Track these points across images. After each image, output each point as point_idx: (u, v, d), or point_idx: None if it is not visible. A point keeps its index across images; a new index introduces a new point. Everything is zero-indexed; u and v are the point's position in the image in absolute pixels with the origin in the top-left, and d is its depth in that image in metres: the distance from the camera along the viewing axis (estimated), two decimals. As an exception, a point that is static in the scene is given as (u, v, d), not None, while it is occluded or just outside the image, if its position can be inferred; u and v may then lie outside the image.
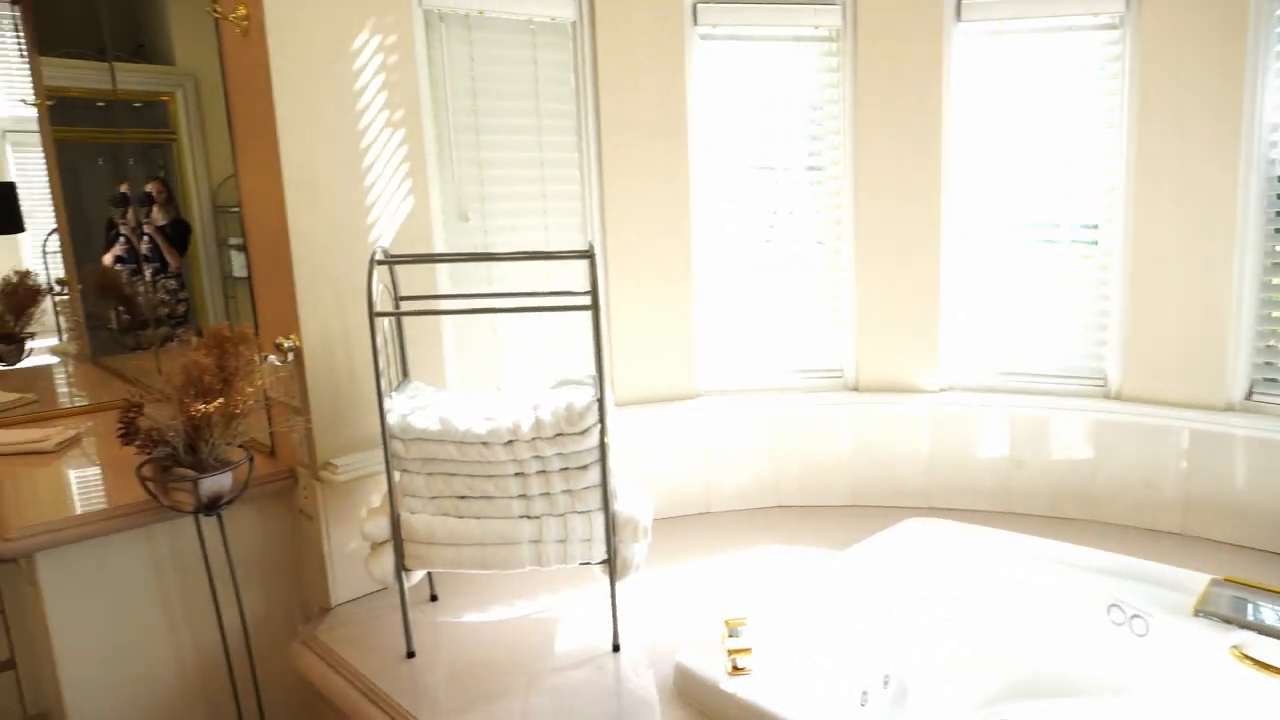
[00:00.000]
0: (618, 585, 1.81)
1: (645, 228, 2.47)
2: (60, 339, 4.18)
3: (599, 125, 2.41)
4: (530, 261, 2.37)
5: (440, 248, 2.24)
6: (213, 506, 1.85)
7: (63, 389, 3.40)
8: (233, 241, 3.00)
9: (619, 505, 1.80)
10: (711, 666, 1.64)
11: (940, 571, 2.19)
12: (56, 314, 4.07)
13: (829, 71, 2.50)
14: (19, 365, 3.56)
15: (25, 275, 3.63)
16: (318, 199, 1.97)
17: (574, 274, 2.42)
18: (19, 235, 5.85)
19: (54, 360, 3.83)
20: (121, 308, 3.60)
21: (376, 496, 2.05)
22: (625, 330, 2.50)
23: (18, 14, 3.83)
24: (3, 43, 6.15)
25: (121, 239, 3.27)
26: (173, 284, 3.20)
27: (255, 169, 2.04)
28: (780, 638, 1.76)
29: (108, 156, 3.87)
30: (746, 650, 1.64)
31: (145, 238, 3.15)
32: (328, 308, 2.00)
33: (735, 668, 1.62)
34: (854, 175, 2.52)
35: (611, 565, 1.79)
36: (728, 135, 2.53)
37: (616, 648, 1.85)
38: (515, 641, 1.90)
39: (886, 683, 2.00)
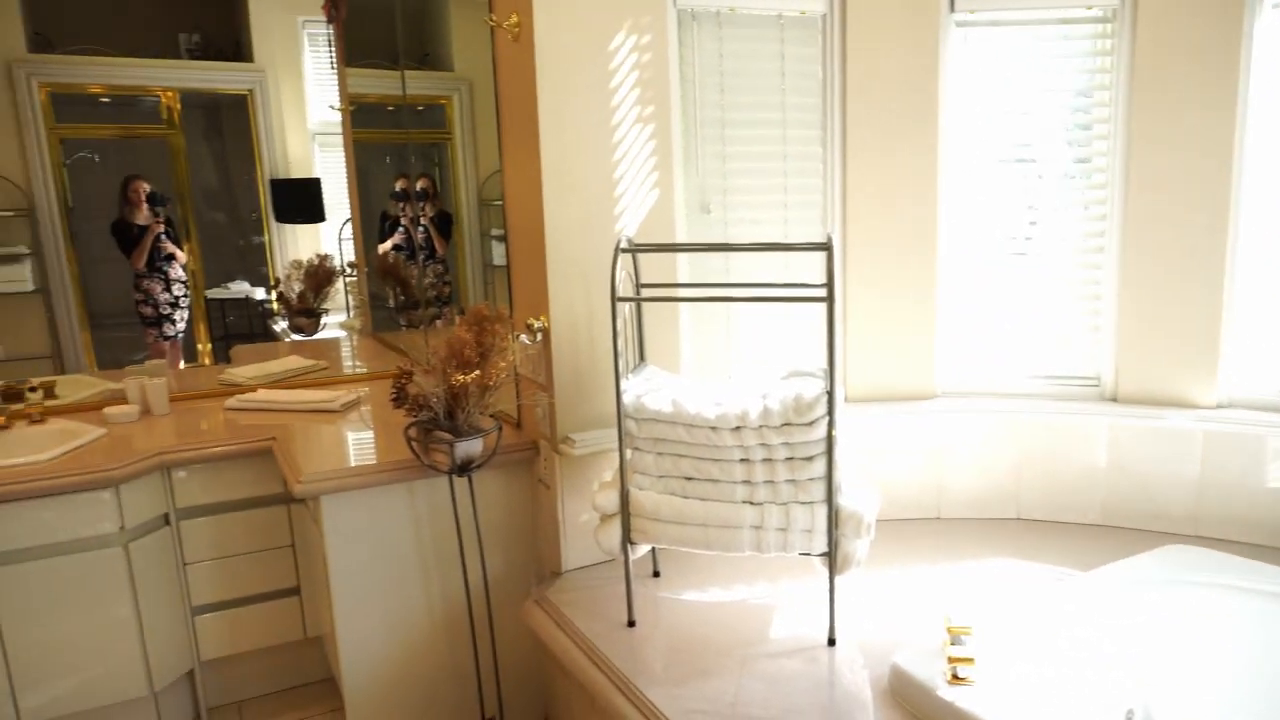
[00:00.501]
0: (837, 579, 1.80)
1: (888, 220, 2.42)
2: (347, 315, 4.74)
3: (844, 118, 2.39)
4: (768, 253, 2.41)
5: (681, 238, 2.32)
6: (465, 469, 2.04)
7: (347, 358, 3.85)
8: (494, 232, 3.25)
9: (843, 499, 1.79)
10: (930, 672, 1.60)
11: (1202, 604, 1.99)
12: (346, 293, 4.61)
13: (1100, 55, 2.33)
14: (314, 336, 4.08)
15: (324, 258, 4.16)
16: (572, 191, 2.11)
17: (811, 267, 2.42)
18: (319, 224, 6.65)
19: (341, 334, 4.36)
20: (398, 289, 4.01)
21: (609, 472, 2.16)
22: (861, 325, 2.47)
23: (332, 31, 4.38)
24: (318, 56, 6.99)
25: (400, 229, 3.63)
26: (440, 269, 3.51)
27: (518, 164, 2.22)
28: (1007, 653, 1.68)
29: (393, 155, 4.33)
30: (969, 660, 1.58)
31: (421, 228, 3.48)
32: (574, 292, 2.14)
33: (955, 676, 1.57)
34: (1124, 169, 2.32)
35: (831, 558, 1.78)
36: (982, 126, 2.42)
37: (832, 641, 1.84)
38: (731, 623, 1.95)
39: (1129, 718, 1.85)
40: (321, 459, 2.23)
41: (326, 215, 6.53)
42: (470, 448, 2.01)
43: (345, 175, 4.09)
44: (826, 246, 1.74)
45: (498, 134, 2.33)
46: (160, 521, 2.40)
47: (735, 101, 2.37)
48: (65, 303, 6.30)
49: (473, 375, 1.89)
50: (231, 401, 2.75)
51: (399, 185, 3.72)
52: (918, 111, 2.38)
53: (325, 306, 4.06)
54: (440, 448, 1.99)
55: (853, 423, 2.43)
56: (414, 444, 2.04)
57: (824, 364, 1.82)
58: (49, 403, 2.79)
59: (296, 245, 6.78)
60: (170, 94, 6.42)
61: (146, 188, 4.72)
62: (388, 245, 3.68)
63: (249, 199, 7.74)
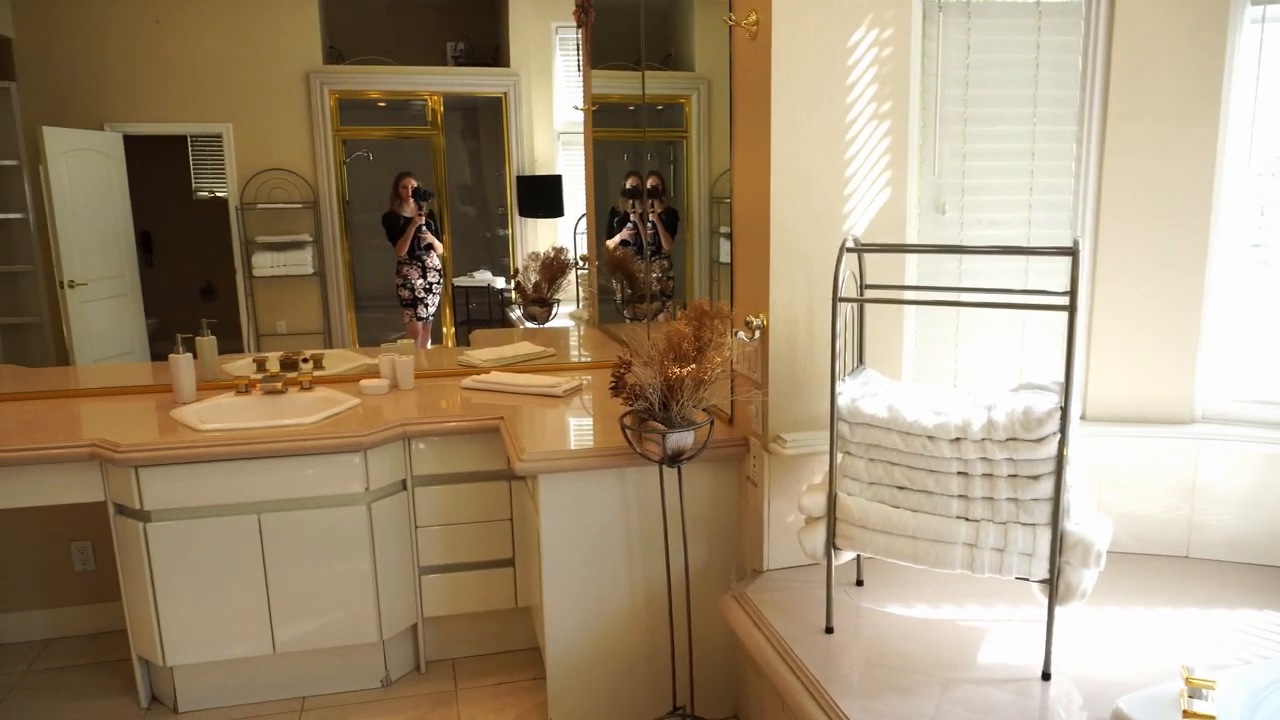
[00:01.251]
0: (1057, 609, 1.68)
1: (1149, 225, 2.21)
2: (577, 306, 4.97)
3: (1104, 111, 2.21)
4: (1005, 256, 2.27)
5: (912, 239, 2.25)
6: (675, 460, 2.08)
7: (573, 347, 4.04)
8: (722, 229, 3.29)
9: (1070, 524, 1.66)
10: (1161, 724, 1.45)
11: None
12: (577, 285, 4.84)
13: None
14: (546, 325, 4.32)
15: (560, 251, 4.38)
16: (800, 189, 2.10)
17: (1053, 273, 2.26)
18: (558, 219, 7.00)
19: (569, 323, 4.58)
20: (625, 282, 4.15)
21: (818, 474, 2.14)
22: (1107, 338, 2.27)
23: (580, 35, 4.60)
24: (567, 59, 7.35)
25: (629, 224, 3.74)
26: (665, 264, 3.60)
27: (748, 161, 2.24)
28: (1259, 717, 1.49)
29: (629, 153, 4.49)
30: (1210, 717, 1.42)
31: (650, 224, 3.58)
32: (796, 290, 2.13)
33: (1192, 733, 1.42)
34: None
35: (1053, 586, 1.66)
36: (1273, 124, 2.16)
37: (1046, 676, 1.71)
38: (935, 642, 1.86)
39: None
40: (543, 440, 2.36)
41: (565, 210, 6.88)
42: (681, 439, 2.06)
43: (584, 172, 4.28)
44: (1072, 251, 1.62)
45: (730, 130, 2.36)
46: (399, 486, 2.64)
47: (981, 95, 2.26)
48: (337, 286, 7.05)
49: (688, 369, 1.93)
50: (467, 381, 2.97)
51: (630, 182, 3.85)
52: (1197, 105, 2.16)
53: (557, 297, 4.28)
54: (653, 438, 2.05)
55: (1090, 443, 2.25)
56: (628, 432, 2.11)
57: (1060, 378, 1.69)
58: (317, 373, 3.13)
59: (536, 239, 7.19)
60: (435, 98, 7.00)
61: (414, 183, 5.23)
62: (616, 240, 3.82)
63: (496, 195, 8.28)
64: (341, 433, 2.48)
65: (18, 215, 6.67)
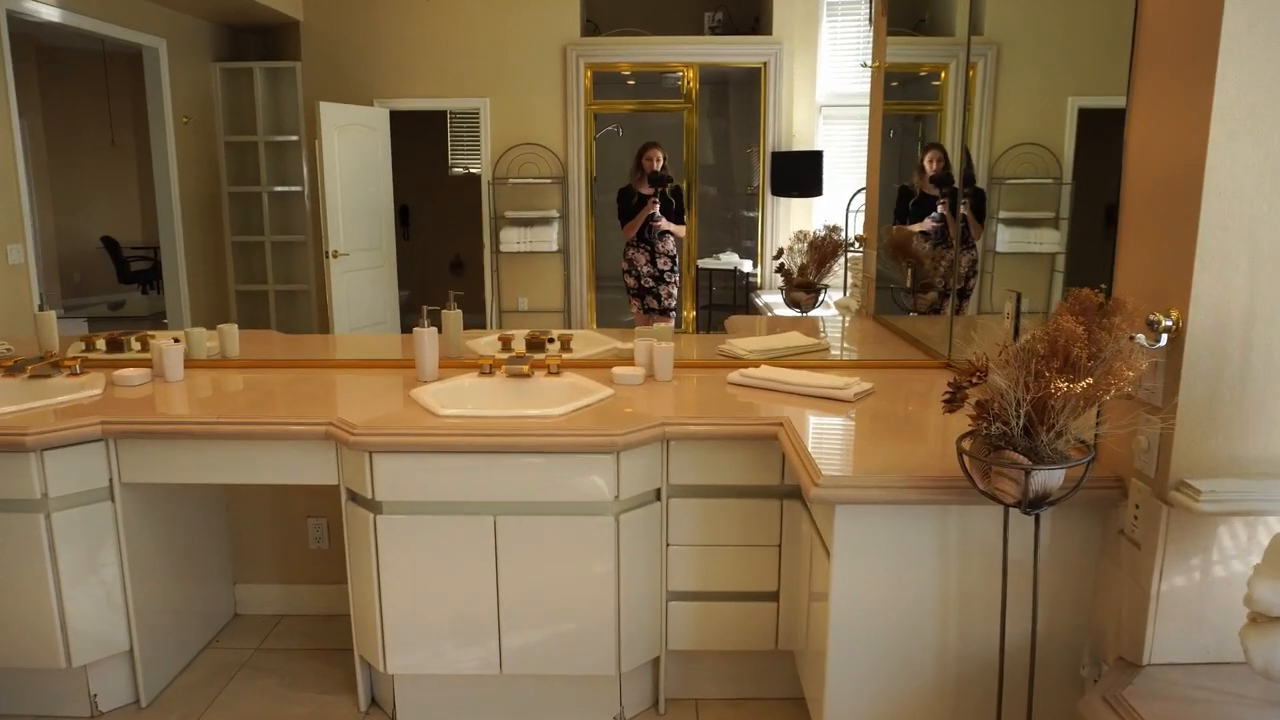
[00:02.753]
0: None
1: None
2: (843, 293, 4.38)
3: None
4: None
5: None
6: (1036, 504, 1.50)
7: (847, 341, 3.46)
8: (1002, 215, 2.66)
9: None
10: None
11: None
12: (845, 270, 4.25)
13: None
14: (809, 314, 3.79)
15: (832, 230, 3.82)
16: (1256, 138, 1.44)
17: None
18: (813, 200, 6.38)
19: (831, 313, 4.02)
20: (912, 269, 3.53)
21: (1250, 544, 1.48)
22: None
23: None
24: (834, 26, 6.65)
25: (936, 211, 3.11)
26: (973, 254, 2.96)
27: (1159, 108, 1.59)
28: None
29: (898, 127, 3.83)
30: None
31: (957, 211, 2.95)
32: (1232, 278, 1.47)
33: None
34: None
35: None
36: None
37: None
38: None
39: None
40: (837, 458, 1.84)
41: (824, 189, 6.27)
42: (1049, 479, 1.47)
43: (867, 145, 3.70)
44: None
45: (1129, 71, 1.71)
46: (651, 496, 2.21)
47: None
48: (579, 264, 6.84)
49: (1083, 384, 1.34)
50: (734, 376, 2.50)
51: (932, 162, 3.18)
52: None
53: (825, 283, 3.74)
54: (1010, 473, 1.47)
55: None
56: (969, 462, 1.55)
57: None
58: (565, 355, 2.79)
59: (788, 219, 6.63)
60: (691, 70, 6.60)
61: (661, 155, 4.81)
62: (918, 227, 3.19)
63: (743, 173, 7.75)
64: (593, 429, 2.08)
65: (296, 188, 6.97)
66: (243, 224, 7.02)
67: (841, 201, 6.62)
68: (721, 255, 6.62)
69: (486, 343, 2.96)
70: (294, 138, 6.65)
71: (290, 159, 6.83)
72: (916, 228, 3.19)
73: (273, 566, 2.91)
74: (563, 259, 6.66)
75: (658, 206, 4.76)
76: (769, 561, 2.25)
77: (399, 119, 6.82)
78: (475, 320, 7.52)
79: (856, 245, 3.74)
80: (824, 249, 3.66)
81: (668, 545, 2.24)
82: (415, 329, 2.51)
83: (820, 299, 3.72)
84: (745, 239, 7.70)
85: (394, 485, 2.12)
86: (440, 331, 2.70)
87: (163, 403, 2.37)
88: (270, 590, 2.92)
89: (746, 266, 6.54)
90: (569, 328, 6.79)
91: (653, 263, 4.88)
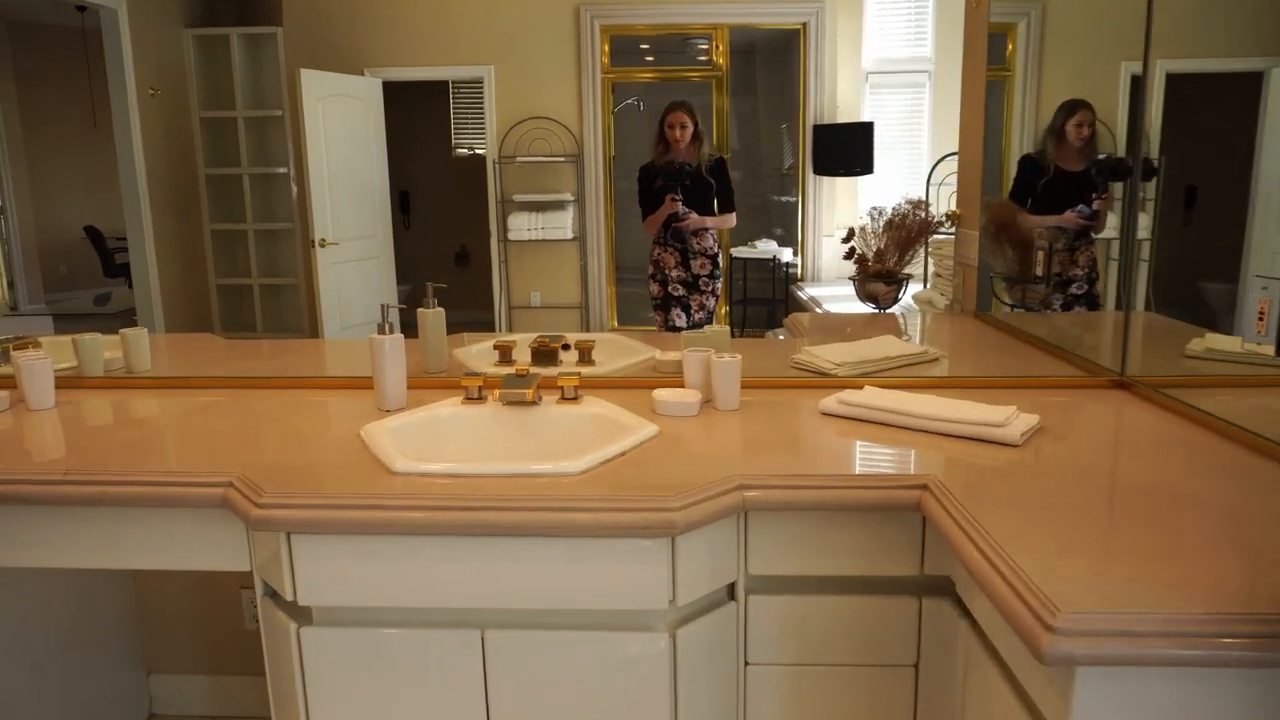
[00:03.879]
0: None
1: None
2: (924, 284, 3.58)
3: None
4: None
5: None
6: None
7: (944, 346, 2.66)
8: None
9: None
10: None
11: None
12: (926, 256, 3.46)
13: None
14: (887, 310, 3.01)
15: (917, 205, 3.02)
16: None
17: None
18: (858, 178, 5.55)
19: (909, 307, 3.23)
20: (1022, 256, 2.74)
21: None
22: None
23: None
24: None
25: (1079, 206, 2.30)
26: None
27: None
28: None
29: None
30: None
31: (1135, 191, 2.15)
32: None
33: None
34: None
35: None
36: None
37: None
38: None
39: None
40: (1063, 570, 1.06)
41: (875, 166, 5.45)
42: None
43: (961, 100, 2.90)
44: None
45: None
46: (723, 595, 1.44)
47: None
48: (597, 253, 6.03)
49: None
50: (829, 403, 1.72)
51: (1078, 127, 2.32)
52: None
53: (908, 272, 2.96)
54: None
55: None
56: None
57: None
58: (584, 370, 2.02)
59: (833, 202, 5.81)
60: (720, 32, 5.79)
61: (688, 123, 3.75)
62: (1054, 220, 2.38)
63: (775, 152, 6.87)
64: (634, 496, 1.30)
65: (280, 170, 6.19)
66: (222, 210, 6.25)
67: (893, 181, 5.81)
68: (758, 243, 5.82)
69: (479, 352, 2.19)
70: (277, 112, 5.87)
71: (273, 136, 6.06)
72: (1051, 220, 2.39)
73: (197, 652, 2.15)
74: (579, 248, 5.88)
75: (678, 207, 3.65)
76: (900, 689, 1.48)
77: (394, 91, 6.03)
78: (484, 318, 6.75)
79: (948, 225, 2.94)
80: (907, 229, 2.86)
81: (747, 664, 1.46)
82: (373, 337, 1.74)
83: (902, 291, 2.93)
84: (776, 226, 6.89)
85: (325, 583, 1.35)
86: (423, 335, 1.95)
87: (3, 444, 1.61)
88: (196, 683, 2.16)
89: (786, 255, 5.74)
90: (587, 327, 6.02)
91: (685, 264, 3.77)
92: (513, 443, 1.69)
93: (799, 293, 5.39)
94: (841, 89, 5.62)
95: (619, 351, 2.25)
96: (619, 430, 1.58)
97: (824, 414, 1.71)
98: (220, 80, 5.96)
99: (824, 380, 1.95)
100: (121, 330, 2.10)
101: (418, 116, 7.25)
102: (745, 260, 5.80)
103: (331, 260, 5.39)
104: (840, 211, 5.81)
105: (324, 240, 5.31)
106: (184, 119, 5.84)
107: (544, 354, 2.07)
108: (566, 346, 2.10)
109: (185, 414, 1.78)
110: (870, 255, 2.92)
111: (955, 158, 3.08)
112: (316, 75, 5.23)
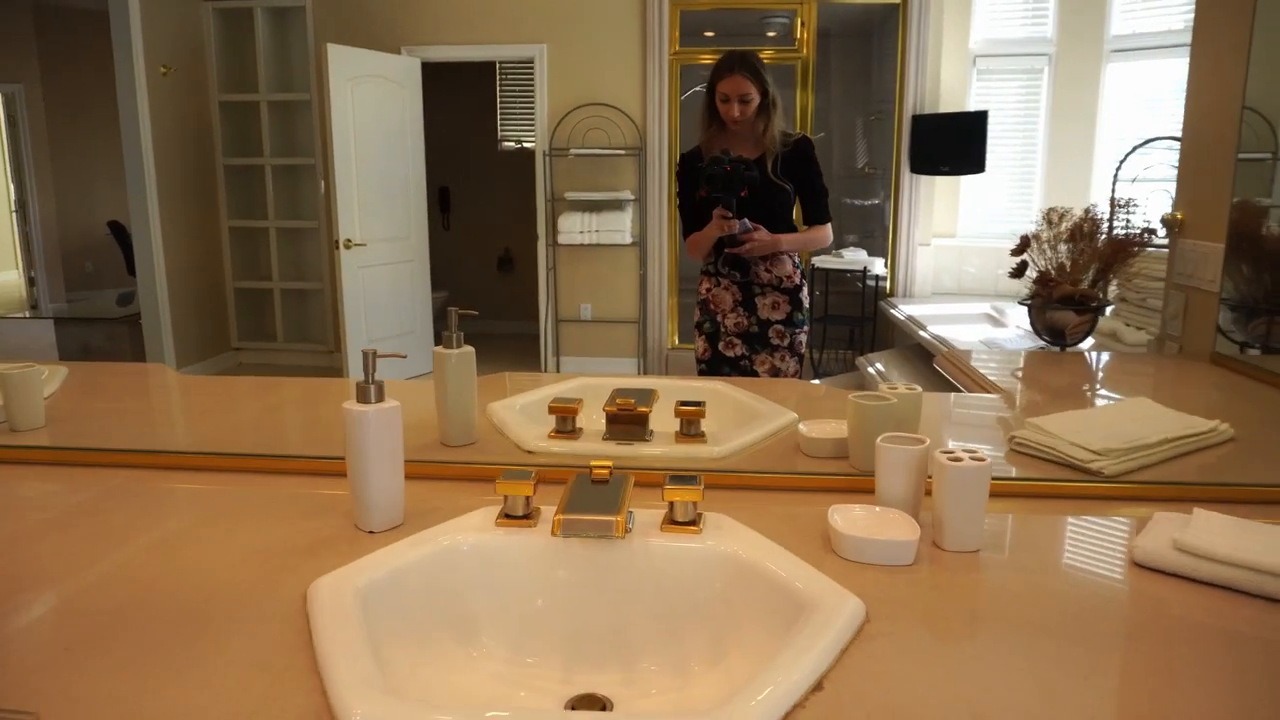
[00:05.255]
0: None
1: None
2: (1105, 312, 2.76)
3: None
4: None
5: None
6: None
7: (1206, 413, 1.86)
8: None
9: None
10: None
11: None
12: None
13: None
14: (1079, 347, 2.22)
15: (1122, 205, 2.23)
16: None
17: None
18: (962, 177, 4.71)
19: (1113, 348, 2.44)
20: (1255, 273, 1.95)
21: None
22: None
23: None
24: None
25: None
26: None
27: None
28: None
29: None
30: None
31: None
32: None
33: None
34: None
35: None
36: None
37: None
38: None
39: None
40: None
41: (986, 164, 4.64)
42: None
43: (1191, 63, 2.10)
44: None
45: None
46: None
47: None
48: (659, 261, 5.24)
49: None
50: (1150, 547, 0.94)
51: None
52: None
53: (1108, 296, 2.17)
54: None
55: None
56: None
57: None
58: (693, 451, 1.26)
59: (930, 207, 4.99)
60: (808, 8, 5.00)
61: (750, 91, 2.29)
62: None
63: (849, 148, 6.03)
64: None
65: (306, 161, 5.53)
66: (242, 205, 5.61)
67: (1002, 181, 4.99)
68: (845, 252, 5.03)
69: (526, 409, 1.45)
70: (304, 96, 5.22)
71: (300, 123, 5.40)
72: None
73: None
74: (637, 254, 5.13)
75: (734, 228, 2.27)
76: None
77: (434, 73, 5.34)
78: (527, 331, 5.96)
79: (1159, 233, 2.14)
80: (1114, 246, 2.07)
81: None
82: (346, 405, 1.01)
83: (1096, 322, 2.14)
84: (848, 233, 6.10)
85: None
86: (441, 387, 1.22)
87: None
88: None
89: (878, 267, 4.94)
90: (645, 345, 5.26)
91: (747, 304, 2.42)
92: (584, 620, 0.94)
93: (892, 311, 4.59)
94: (946, 75, 4.81)
95: (731, 412, 1.49)
96: (784, 603, 0.84)
97: (1142, 566, 0.94)
98: (242, 60, 5.32)
99: (1082, 484, 1.18)
100: (0, 369, 1.39)
101: (460, 102, 6.56)
102: (827, 271, 5.01)
103: (359, 263, 4.71)
104: (939, 217, 5.00)
105: (349, 241, 4.63)
106: (201, 103, 5.20)
107: (626, 421, 1.32)
108: (647, 400, 1.34)
109: (33, 535, 1.07)
110: (1052, 272, 2.13)
111: (1151, 148, 2.27)
112: (346, 52, 4.55)
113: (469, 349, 1.32)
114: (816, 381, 4.74)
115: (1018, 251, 2.20)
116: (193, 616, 0.83)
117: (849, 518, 0.98)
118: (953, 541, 0.96)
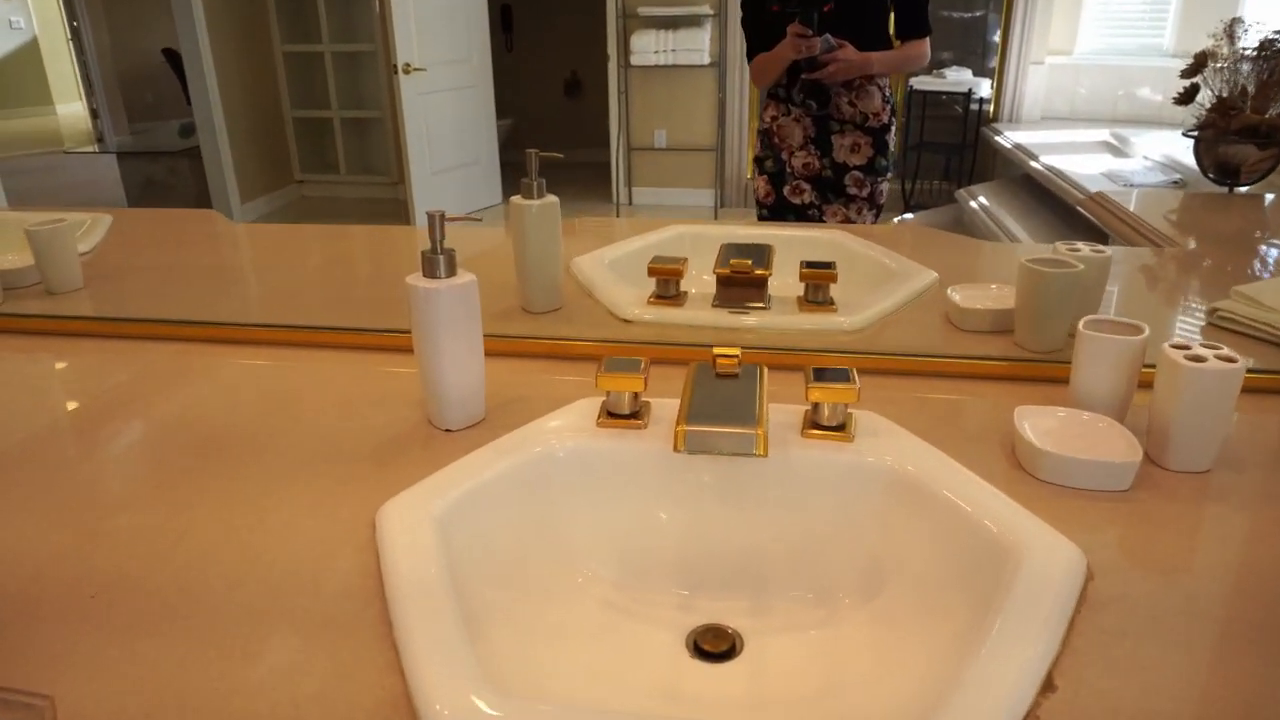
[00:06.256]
0: None
1: None
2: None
3: None
4: None
5: None
6: None
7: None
8: None
9: None
10: None
11: None
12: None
13: None
14: (1241, 189, 1.89)
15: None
16: None
17: None
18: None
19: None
20: None
21: None
22: None
23: None
24: None
25: None
26: None
27: None
28: None
29: None
30: None
31: None
32: None
33: None
34: None
35: None
36: None
37: None
38: None
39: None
40: None
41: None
42: None
43: None
44: None
45: None
46: None
47: None
48: (738, 82, 4.84)
49: None
50: None
51: None
52: None
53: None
54: None
55: None
56: None
57: None
58: (821, 322, 1.05)
59: (1048, 19, 4.44)
60: None
61: None
62: None
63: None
64: None
65: (362, -24, 5.13)
66: (295, 28, 5.29)
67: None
68: (947, 71, 4.53)
69: (616, 264, 1.25)
70: (353, -100, 4.77)
71: (349, -65, 4.97)
72: None
73: None
74: (716, 76, 4.71)
75: (814, 37, 1.83)
76: None
77: None
78: (595, 160, 5.64)
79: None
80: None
81: None
82: (410, 279, 0.81)
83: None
84: (941, 49, 5.50)
85: None
86: (519, 241, 1.03)
87: None
88: None
89: (983, 89, 4.46)
90: (722, 175, 4.92)
91: (821, 141, 2.01)
92: (705, 541, 0.77)
93: (996, 138, 4.15)
94: None
95: (856, 268, 1.26)
96: (968, 540, 0.65)
97: None
98: None
99: (1317, 370, 0.94)
100: (28, 228, 1.23)
101: (520, -95, 5.95)
102: (924, 94, 4.54)
103: (418, 90, 4.41)
104: (1056, 32, 4.43)
105: (408, 65, 4.32)
106: (242, -90, 4.78)
107: (742, 285, 1.10)
108: (767, 264, 1.11)
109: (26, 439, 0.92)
110: (1235, 96, 1.78)
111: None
112: None
113: (552, 199, 1.10)
114: (909, 217, 4.37)
115: (1190, 72, 1.84)
116: (239, 558, 0.68)
117: (1042, 426, 0.77)
118: (1181, 460, 0.75)
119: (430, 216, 0.80)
